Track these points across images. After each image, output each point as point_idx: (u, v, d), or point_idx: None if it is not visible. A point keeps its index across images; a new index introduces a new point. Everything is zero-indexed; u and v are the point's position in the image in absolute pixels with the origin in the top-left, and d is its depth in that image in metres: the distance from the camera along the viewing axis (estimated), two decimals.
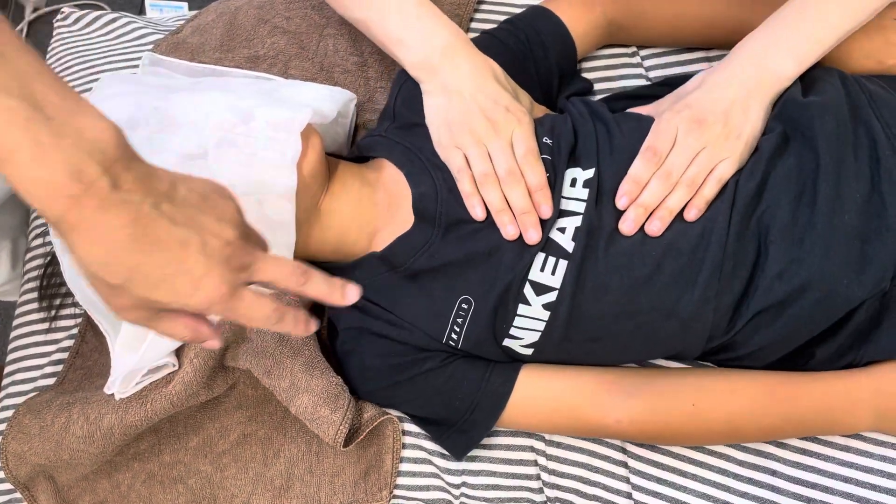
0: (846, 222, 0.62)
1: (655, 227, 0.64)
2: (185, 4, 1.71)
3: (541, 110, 0.75)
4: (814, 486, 0.68)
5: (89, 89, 0.96)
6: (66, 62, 1.01)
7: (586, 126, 0.69)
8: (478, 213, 0.67)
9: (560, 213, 0.66)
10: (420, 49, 0.70)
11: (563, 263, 0.65)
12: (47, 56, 1.03)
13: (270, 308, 0.48)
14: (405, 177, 0.71)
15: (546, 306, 0.66)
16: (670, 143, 0.65)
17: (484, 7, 0.90)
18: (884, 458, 0.68)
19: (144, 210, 0.43)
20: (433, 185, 0.70)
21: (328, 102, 0.72)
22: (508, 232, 0.65)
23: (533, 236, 0.65)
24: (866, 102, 0.67)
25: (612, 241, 0.65)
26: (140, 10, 1.76)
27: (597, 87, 0.84)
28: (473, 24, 0.89)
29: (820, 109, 0.65)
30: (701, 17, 0.78)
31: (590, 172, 0.67)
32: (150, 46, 0.95)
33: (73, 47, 1.02)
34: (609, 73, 0.84)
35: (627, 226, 0.65)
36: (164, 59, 0.88)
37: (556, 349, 0.68)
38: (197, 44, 0.92)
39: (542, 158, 0.67)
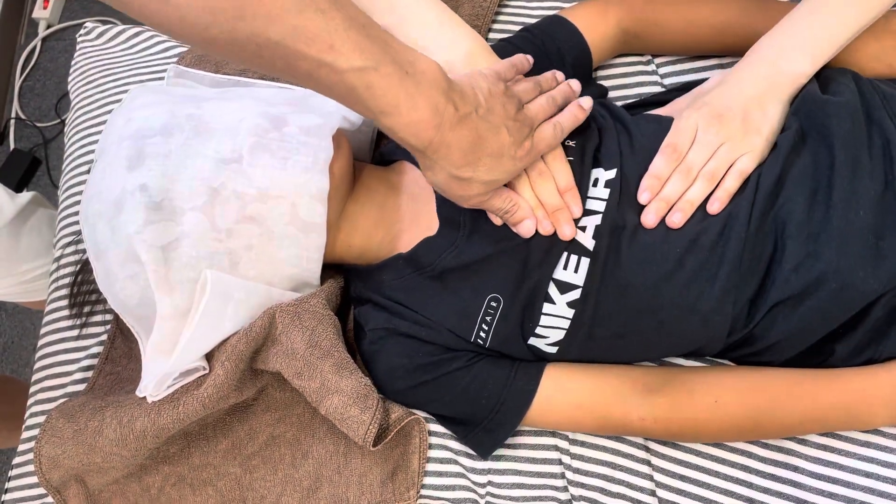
0: (861, 218, 0.64)
1: (677, 219, 0.66)
2: None
3: None
4: (835, 481, 0.69)
5: (116, 101, 0.98)
6: (89, 75, 1.03)
7: (608, 127, 0.71)
8: (497, 219, 0.68)
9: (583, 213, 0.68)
10: (442, 56, 0.72)
11: (584, 261, 0.67)
12: (71, 69, 1.06)
13: (552, 134, 0.64)
14: None
15: (570, 304, 0.67)
16: (690, 140, 0.67)
17: (501, 17, 0.92)
18: None
19: (474, 119, 0.57)
20: None
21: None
22: (545, 227, 0.67)
23: (567, 232, 0.66)
24: (879, 103, 0.69)
25: (635, 239, 0.67)
26: None
27: (613, 94, 0.86)
28: (491, 35, 0.91)
29: (836, 109, 0.66)
30: (713, 24, 0.80)
31: (611, 173, 0.68)
32: (175, 59, 0.98)
33: (96, 61, 1.04)
34: (625, 81, 0.86)
35: (649, 218, 0.66)
36: (188, 70, 0.90)
37: (580, 347, 0.70)
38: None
39: (567, 160, 0.68)
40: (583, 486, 0.73)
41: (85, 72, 1.04)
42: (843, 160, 0.65)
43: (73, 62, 1.06)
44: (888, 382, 0.66)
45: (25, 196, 1.05)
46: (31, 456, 0.83)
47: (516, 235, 0.68)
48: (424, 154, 0.56)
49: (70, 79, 1.06)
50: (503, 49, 0.78)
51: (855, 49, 0.75)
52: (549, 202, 0.67)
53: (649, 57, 0.87)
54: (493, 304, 0.69)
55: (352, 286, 0.78)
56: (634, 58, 0.87)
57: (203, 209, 0.65)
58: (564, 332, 0.69)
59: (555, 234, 0.67)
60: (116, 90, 1.00)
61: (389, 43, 0.52)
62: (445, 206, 0.71)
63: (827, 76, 0.71)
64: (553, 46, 0.78)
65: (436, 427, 0.77)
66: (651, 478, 0.73)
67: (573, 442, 0.75)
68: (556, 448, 0.75)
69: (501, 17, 0.92)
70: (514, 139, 0.60)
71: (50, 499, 0.81)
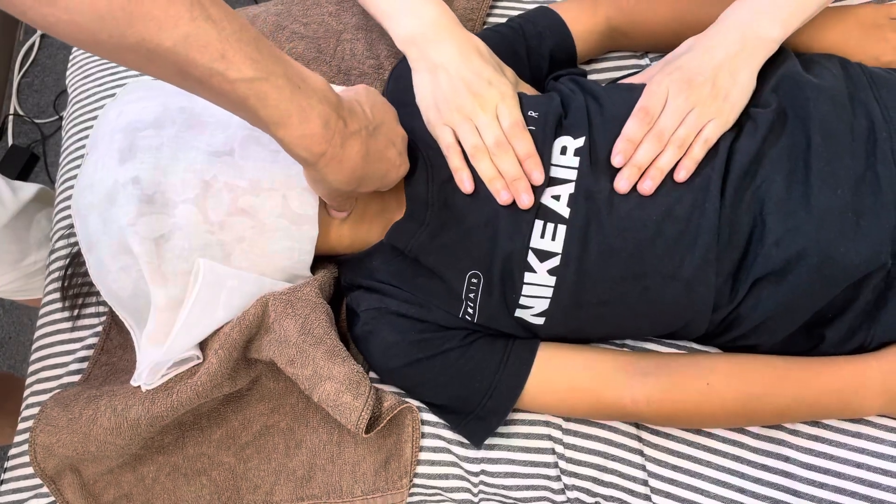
0: (839, 197, 0.65)
1: (647, 186, 0.67)
2: None
3: (526, 87, 0.78)
4: (826, 471, 0.70)
5: (112, 95, 0.99)
6: (87, 70, 1.03)
7: (576, 100, 0.73)
8: (466, 187, 0.70)
9: (552, 181, 0.69)
10: (406, 23, 0.73)
11: (561, 229, 0.68)
12: (69, 63, 1.06)
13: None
14: None
15: (551, 272, 0.68)
16: (662, 104, 0.68)
17: (497, 10, 0.93)
18: (895, 444, 0.69)
19: (364, 135, 0.60)
20: (425, 166, 0.73)
21: None
22: (503, 198, 0.68)
23: (525, 200, 0.68)
24: (867, 85, 0.70)
25: (613, 206, 0.68)
26: None
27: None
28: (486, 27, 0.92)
29: (816, 91, 0.67)
30: (701, 23, 0.80)
31: (580, 141, 0.70)
32: None
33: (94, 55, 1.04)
34: (619, 74, 0.87)
35: (622, 184, 0.68)
36: None
37: (566, 316, 0.70)
38: None
39: (529, 129, 0.69)
40: (575, 475, 0.73)
41: (83, 66, 1.04)
42: (820, 142, 0.66)
43: (71, 56, 1.07)
44: (878, 370, 0.66)
45: (31, 189, 1.05)
46: (26, 447, 0.83)
47: (484, 208, 0.69)
48: (315, 167, 0.58)
49: (68, 73, 1.06)
50: (485, 37, 0.79)
51: (842, 43, 0.76)
52: (507, 172, 0.68)
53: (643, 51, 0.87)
54: (475, 280, 0.70)
55: (342, 276, 0.79)
56: (627, 51, 0.87)
57: (195, 201, 0.65)
58: (549, 300, 0.69)
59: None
60: (113, 84, 1.00)
61: (280, 57, 0.53)
62: (413, 189, 0.72)
63: (811, 59, 0.72)
64: (533, 30, 0.80)
65: (429, 416, 0.77)
66: (643, 467, 0.73)
67: (566, 431, 0.75)
68: (550, 437, 0.75)
69: (497, 11, 0.93)
70: (399, 152, 0.65)
71: (45, 489, 0.81)
